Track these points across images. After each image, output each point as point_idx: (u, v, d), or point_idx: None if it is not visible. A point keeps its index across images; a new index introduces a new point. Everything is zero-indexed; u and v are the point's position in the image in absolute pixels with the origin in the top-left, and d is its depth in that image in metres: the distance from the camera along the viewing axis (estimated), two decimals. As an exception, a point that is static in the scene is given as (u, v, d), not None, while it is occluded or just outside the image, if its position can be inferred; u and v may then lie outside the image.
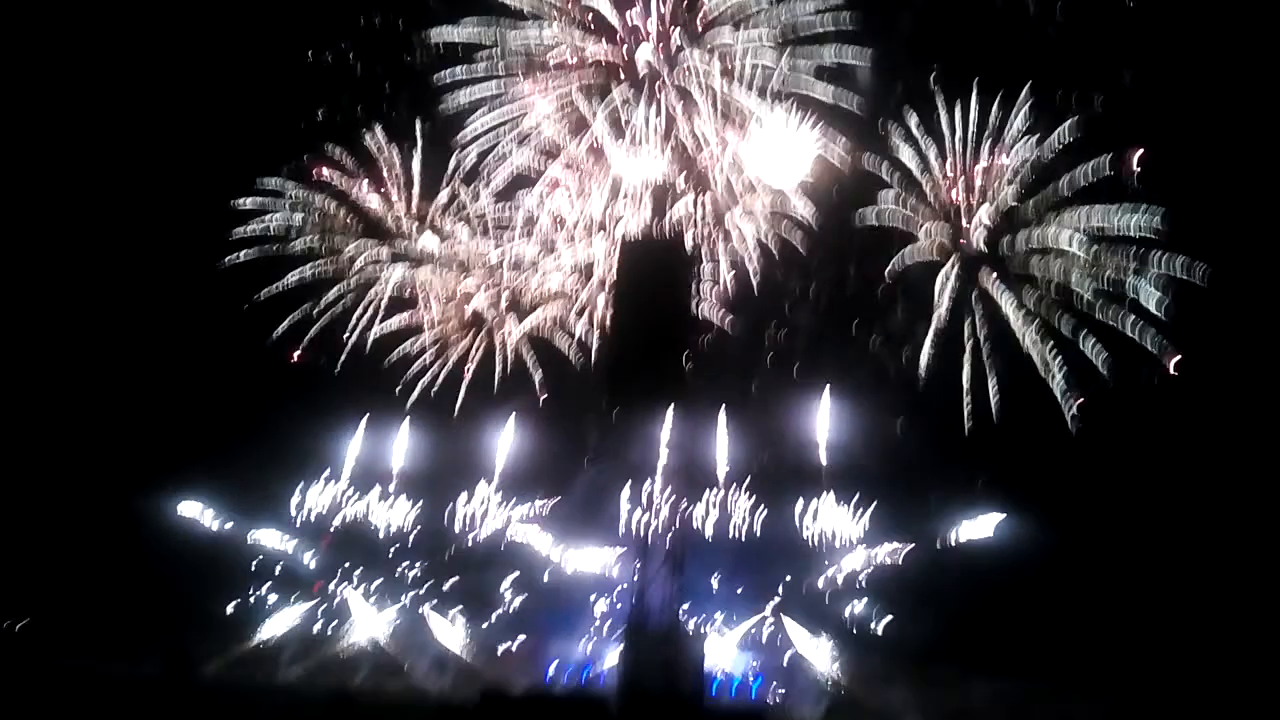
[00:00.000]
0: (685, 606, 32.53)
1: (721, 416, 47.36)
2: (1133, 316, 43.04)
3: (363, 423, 52.24)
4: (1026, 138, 44.60)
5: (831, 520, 46.96)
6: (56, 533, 47.21)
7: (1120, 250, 43.61)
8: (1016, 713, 40.29)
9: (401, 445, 52.24)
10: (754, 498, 47.34)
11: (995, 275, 45.57)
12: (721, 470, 47.22)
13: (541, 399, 49.58)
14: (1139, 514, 42.25)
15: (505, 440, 51.30)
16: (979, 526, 45.81)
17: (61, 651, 43.05)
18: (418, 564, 50.94)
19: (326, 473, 51.72)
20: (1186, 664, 39.02)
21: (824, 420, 47.56)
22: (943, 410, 44.86)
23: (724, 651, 45.93)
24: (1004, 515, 45.32)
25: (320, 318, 50.33)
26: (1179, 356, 41.95)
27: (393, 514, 51.76)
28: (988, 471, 44.56)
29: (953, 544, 46.21)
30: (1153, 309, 42.74)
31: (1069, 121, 43.31)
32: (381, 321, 50.59)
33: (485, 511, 50.58)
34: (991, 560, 44.99)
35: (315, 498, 51.37)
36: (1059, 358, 43.98)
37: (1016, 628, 42.40)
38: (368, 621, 49.95)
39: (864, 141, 45.37)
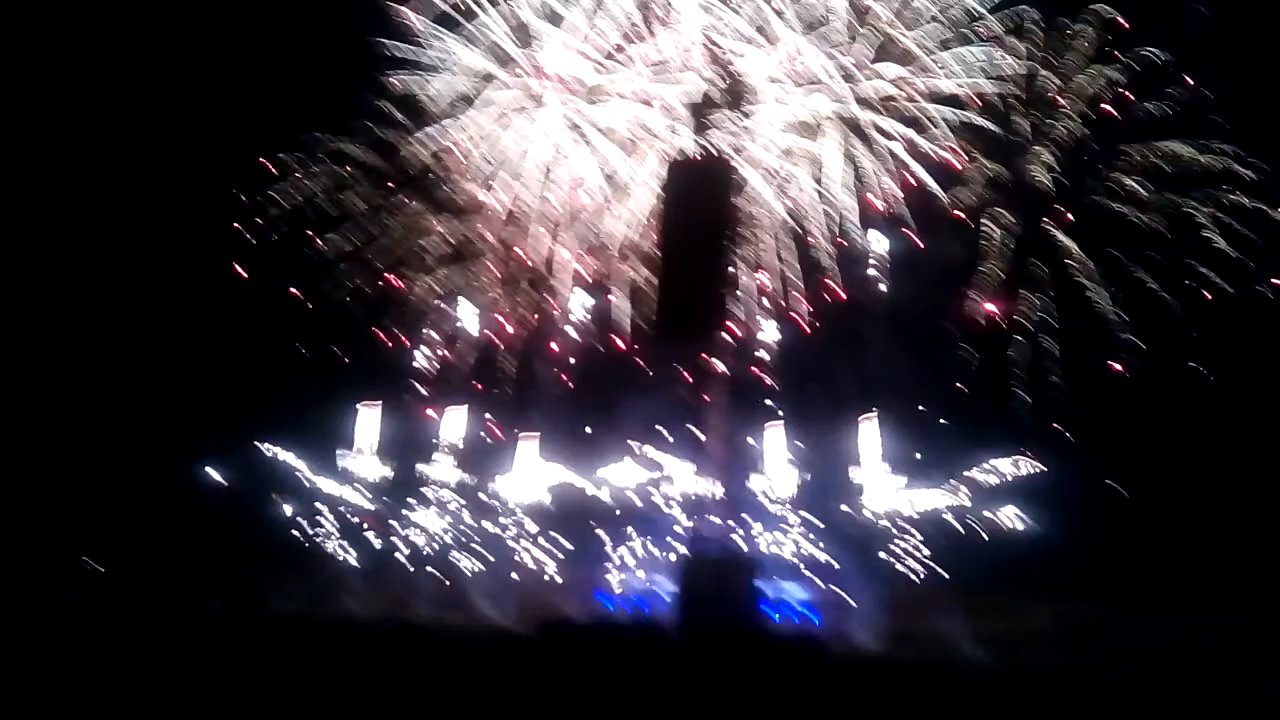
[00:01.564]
0: (740, 535, 32.37)
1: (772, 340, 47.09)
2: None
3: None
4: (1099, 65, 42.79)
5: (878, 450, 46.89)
6: (118, 480, 48.40)
7: (1203, 194, 41.80)
8: (1078, 636, 40.01)
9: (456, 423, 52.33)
10: (806, 425, 47.38)
11: (1058, 218, 43.96)
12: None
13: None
14: (1198, 447, 41.48)
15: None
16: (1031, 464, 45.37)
17: (127, 591, 44.26)
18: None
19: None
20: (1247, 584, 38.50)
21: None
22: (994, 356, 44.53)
23: (779, 581, 46.09)
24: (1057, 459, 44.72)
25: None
26: None
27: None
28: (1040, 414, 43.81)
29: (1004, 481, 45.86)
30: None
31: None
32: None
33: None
34: (1043, 494, 44.84)
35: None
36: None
37: (1069, 556, 42.21)
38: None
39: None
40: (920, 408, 45.78)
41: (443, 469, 52.59)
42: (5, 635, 28.52)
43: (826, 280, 46.42)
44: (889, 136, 44.79)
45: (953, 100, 44.41)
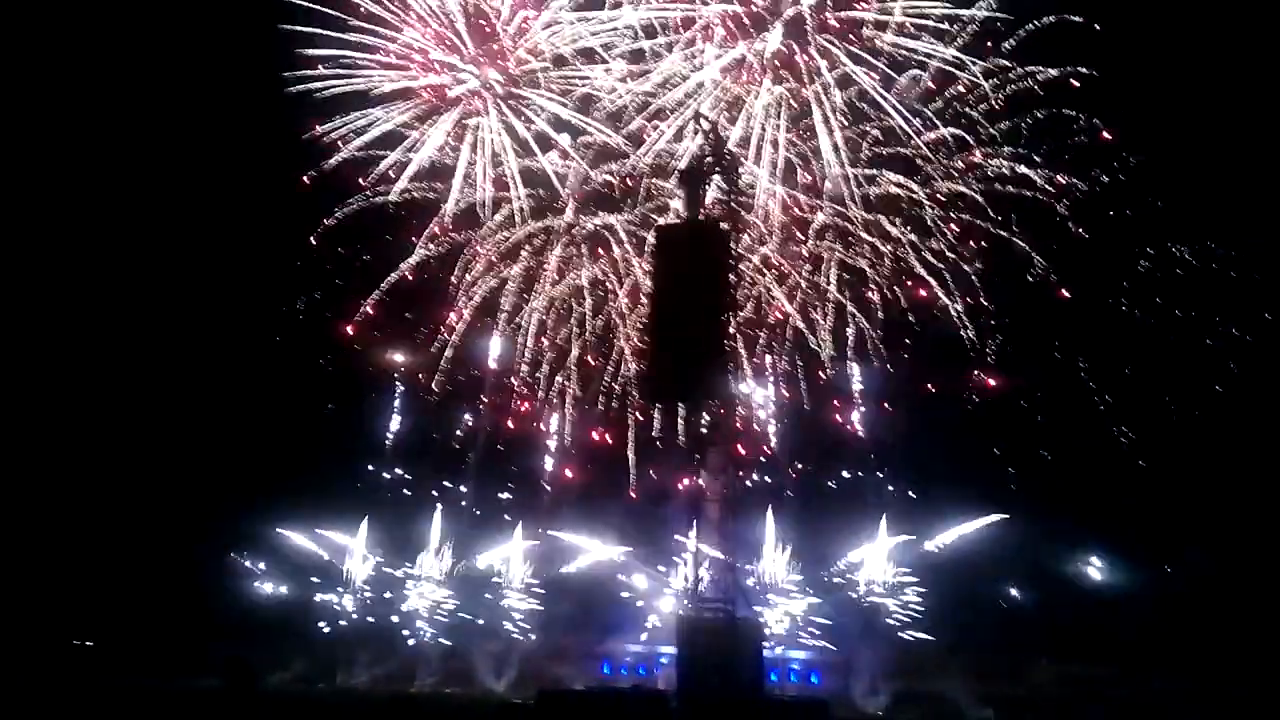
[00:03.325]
0: (739, 598, 32.01)
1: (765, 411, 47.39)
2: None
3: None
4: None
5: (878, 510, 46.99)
6: (119, 558, 48.13)
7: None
8: (1087, 696, 39.34)
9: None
10: (800, 482, 47.61)
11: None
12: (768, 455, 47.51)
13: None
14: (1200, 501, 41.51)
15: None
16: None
17: (123, 669, 43.68)
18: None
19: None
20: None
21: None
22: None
23: (781, 643, 45.55)
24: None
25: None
26: None
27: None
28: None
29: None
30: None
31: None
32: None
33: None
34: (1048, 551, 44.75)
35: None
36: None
37: (1076, 615, 41.87)
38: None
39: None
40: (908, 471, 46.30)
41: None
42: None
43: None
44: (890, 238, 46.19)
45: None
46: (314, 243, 48.57)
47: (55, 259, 49.24)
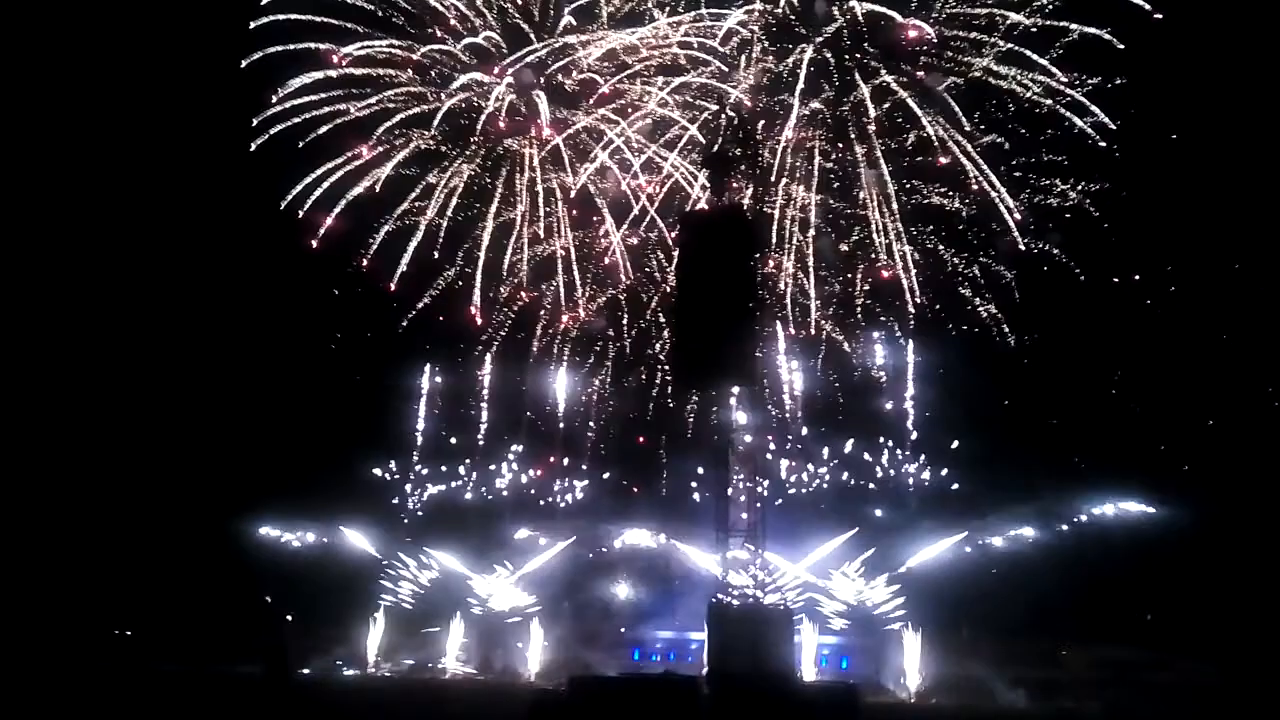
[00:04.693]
0: (769, 584, 32.18)
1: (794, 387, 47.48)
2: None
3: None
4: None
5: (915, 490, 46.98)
6: (160, 549, 48.76)
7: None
8: (1116, 678, 39.18)
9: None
10: (832, 462, 47.64)
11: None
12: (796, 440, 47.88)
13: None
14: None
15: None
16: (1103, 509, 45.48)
17: (162, 656, 44.35)
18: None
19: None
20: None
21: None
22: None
23: (811, 629, 45.60)
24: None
25: None
26: None
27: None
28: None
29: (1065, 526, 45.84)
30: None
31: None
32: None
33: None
34: (1084, 537, 44.48)
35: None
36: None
37: (1107, 599, 41.63)
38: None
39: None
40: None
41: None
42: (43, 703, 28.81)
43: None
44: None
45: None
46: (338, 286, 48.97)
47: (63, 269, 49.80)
